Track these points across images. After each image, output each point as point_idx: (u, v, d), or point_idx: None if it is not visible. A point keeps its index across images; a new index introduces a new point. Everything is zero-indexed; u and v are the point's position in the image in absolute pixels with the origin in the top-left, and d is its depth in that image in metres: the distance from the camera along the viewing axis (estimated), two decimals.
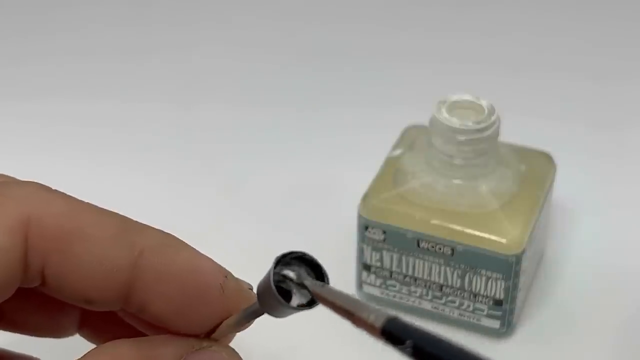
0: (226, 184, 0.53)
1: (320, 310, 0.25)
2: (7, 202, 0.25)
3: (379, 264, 0.43)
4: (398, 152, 0.44)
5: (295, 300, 0.24)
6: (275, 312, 0.24)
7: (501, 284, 0.41)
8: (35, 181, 0.27)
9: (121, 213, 0.27)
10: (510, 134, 0.43)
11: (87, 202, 0.26)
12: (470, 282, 0.42)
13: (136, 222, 0.26)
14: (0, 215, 0.25)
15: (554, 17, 0.66)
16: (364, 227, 0.42)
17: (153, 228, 0.26)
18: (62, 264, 0.25)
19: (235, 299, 0.26)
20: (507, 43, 0.64)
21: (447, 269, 0.42)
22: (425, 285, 0.43)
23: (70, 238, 0.25)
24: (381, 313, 0.20)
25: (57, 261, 0.25)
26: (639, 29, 0.65)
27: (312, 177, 0.53)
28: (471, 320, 0.43)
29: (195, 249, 0.27)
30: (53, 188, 0.27)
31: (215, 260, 0.27)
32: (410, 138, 0.45)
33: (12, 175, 0.52)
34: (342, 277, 0.45)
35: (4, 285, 0.25)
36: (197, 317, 0.26)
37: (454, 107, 0.41)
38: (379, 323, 0.20)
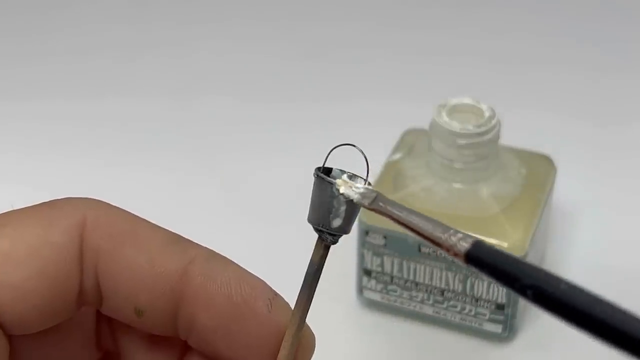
0: (226, 184, 0.53)
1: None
2: (65, 205, 0.26)
3: (379, 269, 0.43)
4: (398, 155, 0.44)
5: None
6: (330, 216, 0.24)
7: (503, 288, 0.41)
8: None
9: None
10: (511, 137, 0.43)
11: (143, 217, 0.27)
12: (472, 286, 0.41)
13: (188, 238, 0.27)
14: (58, 215, 0.25)
15: (557, 18, 0.66)
16: (365, 232, 0.42)
17: (203, 246, 0.27)
18: (115, 263, 0.26)
19: (282, 319, 0.26)
20: (507, 44, 0.64)
21: (449, 273, 0.41)
22: (426, 290, 0.43)
23: (123, 238, 0.26)
24: (464, 236, 0.21)
25: (110, 260, 0.26)
26: None
27: (311, 180, 0.52)
28: (473, 324, 0.43)
29: (243, 268, 0.27)
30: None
31: None
32: (410, 142, 0.45)
33: (14, 172, 0.53)
34: (343, 282, 0.45)
35: (63, 283, 0.25)
36: (243, 336, 0.26)
37: (454, 110, 0.41)
38: (463, 248, 0.21)
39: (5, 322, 0.25)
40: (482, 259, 0.20)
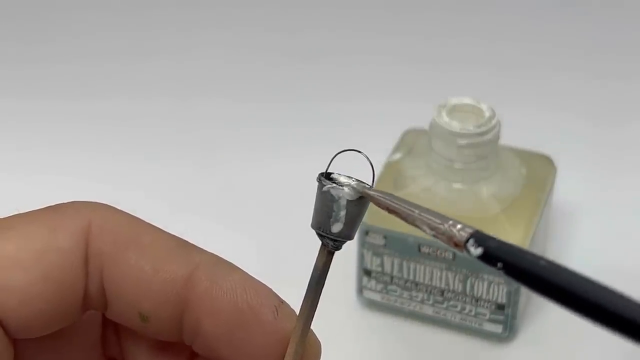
0: (226, 186, 0.53)
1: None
2: (70, 210, 0.26)
3: (379, 269, 0.43)
4: (397, 155, 0.44)
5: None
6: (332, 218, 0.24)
7: (503, 288, 0.41)
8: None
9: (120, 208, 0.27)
10: (511, 137, 0.43)
11: (148, 222, 0.27)
12: (472, 286, 0.41)
13: (193, 244, 0.27)
14: (63, 220, 0.25)
15: (556, 20, 0.66)
16: (365, 232, 0.42)
17: (208, 251, 0.27)
18: (119, 269, 0.25)
19: (288, 326, 0.25)
20: (506, 45, 0.64)
21: (449, 273, 0.41)
22: (426, 290, 0.43)
23: (128, 245, 0.25)
24: (464, 227, 0.21)
25: (114, 266, 0.25)
26: None
27: (311, 181, 0.52)
28: (473, 324, 0.43)
29: (249, 274, 0.27)
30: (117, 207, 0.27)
31: None
32: (410, 142, 0.45)
33: (18, 171, 0.53)
34: (343, 282, 0.45)
35: (68, 288, 0.25)
36: (248, 343, 0.26)
37: (454, 110, 0.41)
38: (462, 237, 0.21)
39: (10, 326, 0.25)
40: (484, 248, 0.21)
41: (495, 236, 0.21)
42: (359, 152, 0.25)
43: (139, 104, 0.59)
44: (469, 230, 0.21)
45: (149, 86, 0.61)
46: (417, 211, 0.22)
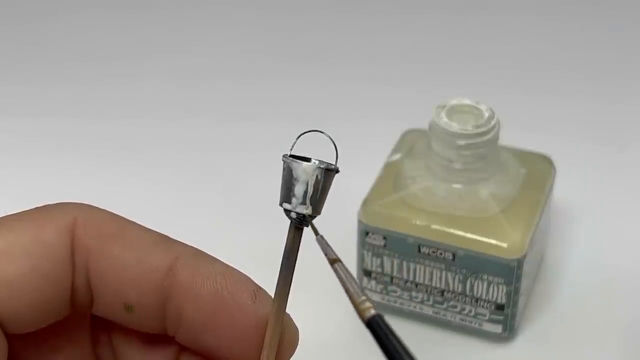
0: (226, 189, 0.53)
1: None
2: (56, 209, 0.27)
3: (379, 269, 0.43)
4: (397, 156, 0.44)
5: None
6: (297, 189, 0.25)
7: (503, 289, 0.41)
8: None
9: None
10: (511, 137, 0.43)
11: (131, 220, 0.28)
12: (472, 287, 0.41)
13: (174, 238, 0.28)
14: (49, 217, 0.27)
15: (556, 20, 0.66)
16: (364, 232, 0.42)
17: (188, 244, 0.28)
18: (104, 261, 0.27)
19: (266, 310, 0.27)
20: (506, 45, 0.64)
21: (449, 274, 0.41)
22: (426, 291, 0.43)
23: (112, 239, 0.27)
24: (369, 309, 0.23)
25: (99, 259, 0.27)
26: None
27: None
28: (473, 325, 0.43)
29: (227, 264, 0.28)
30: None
31: None
32: (409, 142, 0.45)
33: (23, 185, 0.53)
34: None
35: (56, 281, 0.26)
36: (229, 328, 0.27)
37: (453, 111, 0.41)
38: (367, 315, 0.23)
39: (2, 318, 0.26)
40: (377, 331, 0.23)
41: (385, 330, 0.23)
42: (322, 132, 0.26)
43: (135, 118, 0.59)
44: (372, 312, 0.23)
45: (148, 104, 0.61)
46: (346, 275, 0.25)
